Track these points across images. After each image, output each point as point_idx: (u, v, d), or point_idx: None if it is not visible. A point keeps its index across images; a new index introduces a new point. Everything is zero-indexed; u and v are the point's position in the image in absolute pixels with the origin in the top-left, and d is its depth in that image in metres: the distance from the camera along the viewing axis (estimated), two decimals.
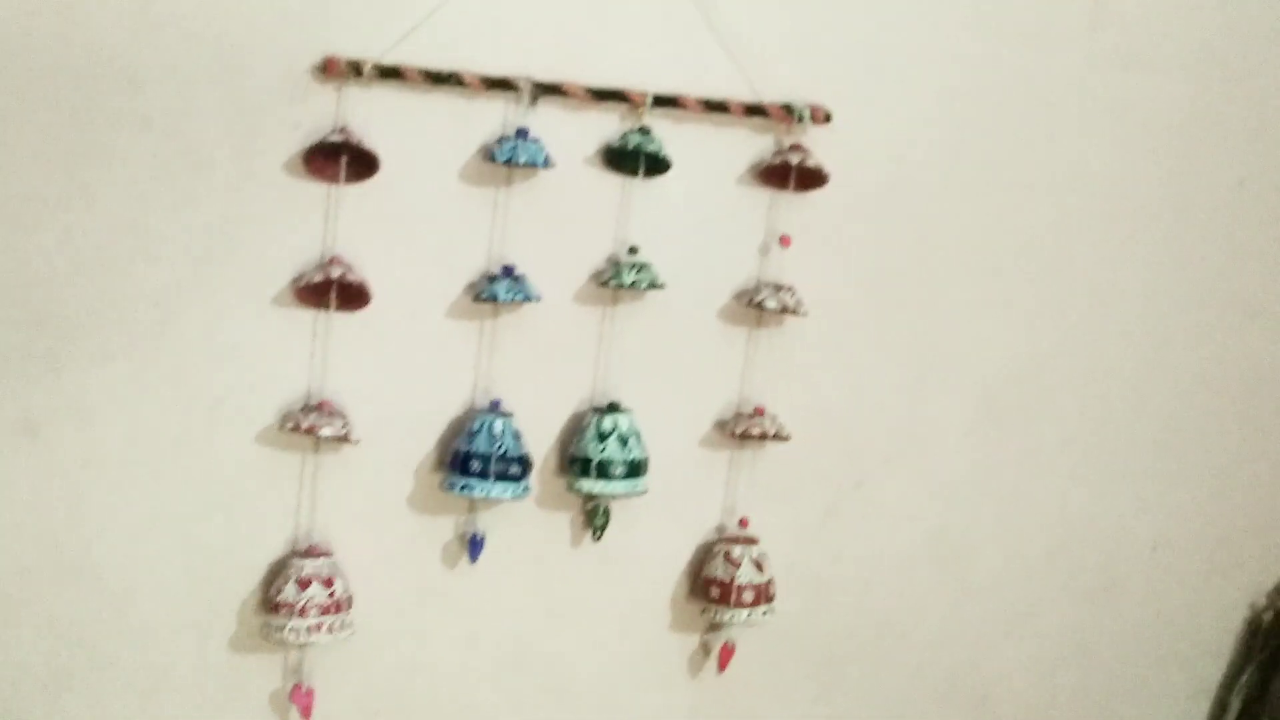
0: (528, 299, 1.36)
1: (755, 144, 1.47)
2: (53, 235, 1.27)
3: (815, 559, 1.58)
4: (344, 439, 1.33)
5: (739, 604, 1.45)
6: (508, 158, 1.32)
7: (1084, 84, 1.60)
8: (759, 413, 1.49)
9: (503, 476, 1.36)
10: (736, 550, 1.47)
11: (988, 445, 1.64)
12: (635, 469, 1.41)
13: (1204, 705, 1.81)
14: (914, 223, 1.55)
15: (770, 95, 1.44)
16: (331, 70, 1.29)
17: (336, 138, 1.29)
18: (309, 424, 1.32)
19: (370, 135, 1.31)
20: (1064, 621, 1.72)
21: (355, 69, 1.29)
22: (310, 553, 1.37)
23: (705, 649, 1.57)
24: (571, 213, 1.42)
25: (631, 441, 1.41)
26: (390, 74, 1.31)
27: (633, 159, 1.40)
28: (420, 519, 1.44)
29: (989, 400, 1.63)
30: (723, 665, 1.53)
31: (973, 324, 1.60)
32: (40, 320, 1.28)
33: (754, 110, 1.42)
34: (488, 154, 1.35)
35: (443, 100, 1.35)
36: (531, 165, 1.33)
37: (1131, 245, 1.67)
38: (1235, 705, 1.76)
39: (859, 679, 1.65)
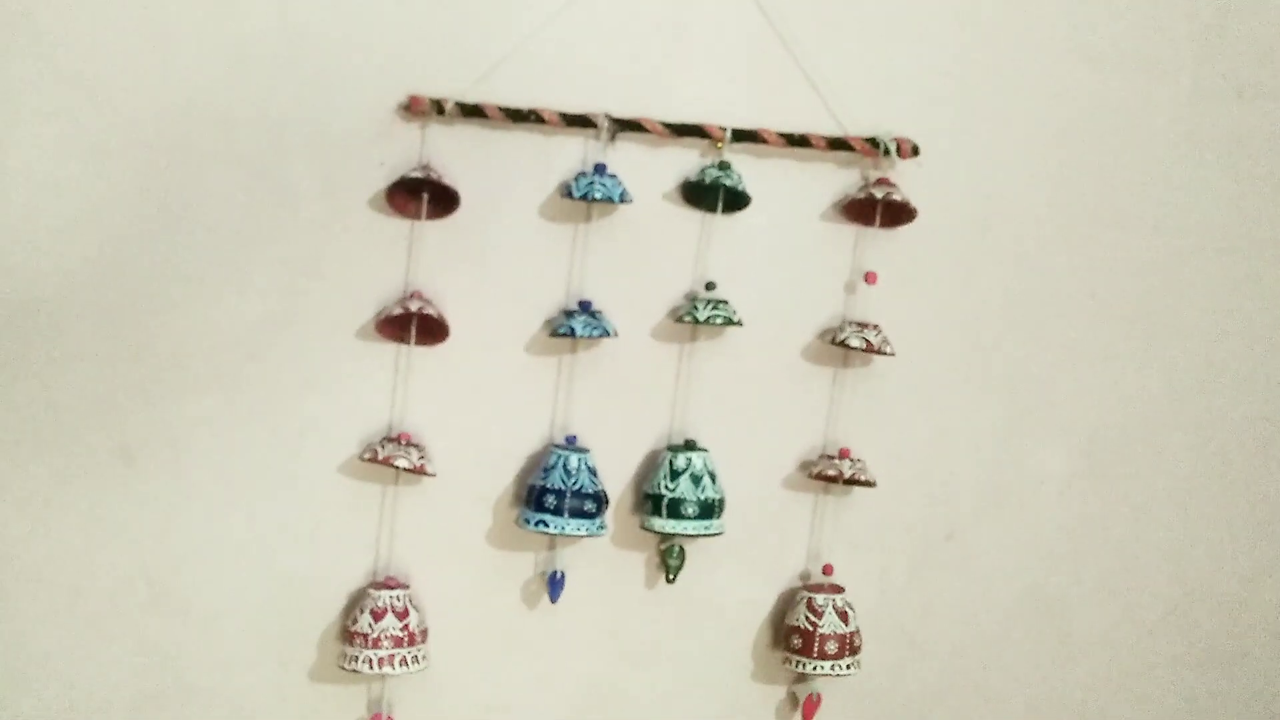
0: (605, 334, 1.36)
1: (839, 179, 1.44)
2: (149, 270, 1.33)
3: (903, 613, 1.51)
4: (420, 471, 1.34)
5: (822, 655, 1.39)
6: (584, 193, 1.32)
7: (1192, 114, 1.53)
8: (844, 454, 1.44)
9: (578, 513, 1.35)
10: (820, 599, 1.42)
11: (1091, 498, 1.55)
12: (709, 509, 1.38)
13: None
14: (1008, 261, 1.50)
15: (855, 129, 1.41)
16: (415, 108, 1.32)
17: (418, 174, 1.31)
18: (386, 455, 1.33)
19: (451, 172, 1.34)
20: (1179, 690, 1.60)
21: (438, 107, 1.32)
22: (386, 584, 1.37)
23: (793, 700, 1.52)
24: (650, 249, 1.42)
25: (705, 481, 1.38)
26: (471, 112, 1.33)
27: (711, 194, 1.39)
28: (499, 555, 1.44)
29: (1091, 450, 1.54)
30: (806, 718, 1.47)
31: (1073, 369, 1.53)
32: (136, 352, 1.34)
33: (837, 144, 1.40)
34: (565, 190, 1.36)
35: (522, 137, 1.37)
36: (609, 201, 1.33)
37: (1247, 285, 1.57)
38: None
39: None
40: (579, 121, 1.35)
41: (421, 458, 1.35)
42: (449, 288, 1.37)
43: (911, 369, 1.47)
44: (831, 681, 1.46)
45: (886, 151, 1.39)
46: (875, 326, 1.41)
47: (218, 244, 1.33)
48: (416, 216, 1.36)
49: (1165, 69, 1.52)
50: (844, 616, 1.42)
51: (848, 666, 1.41)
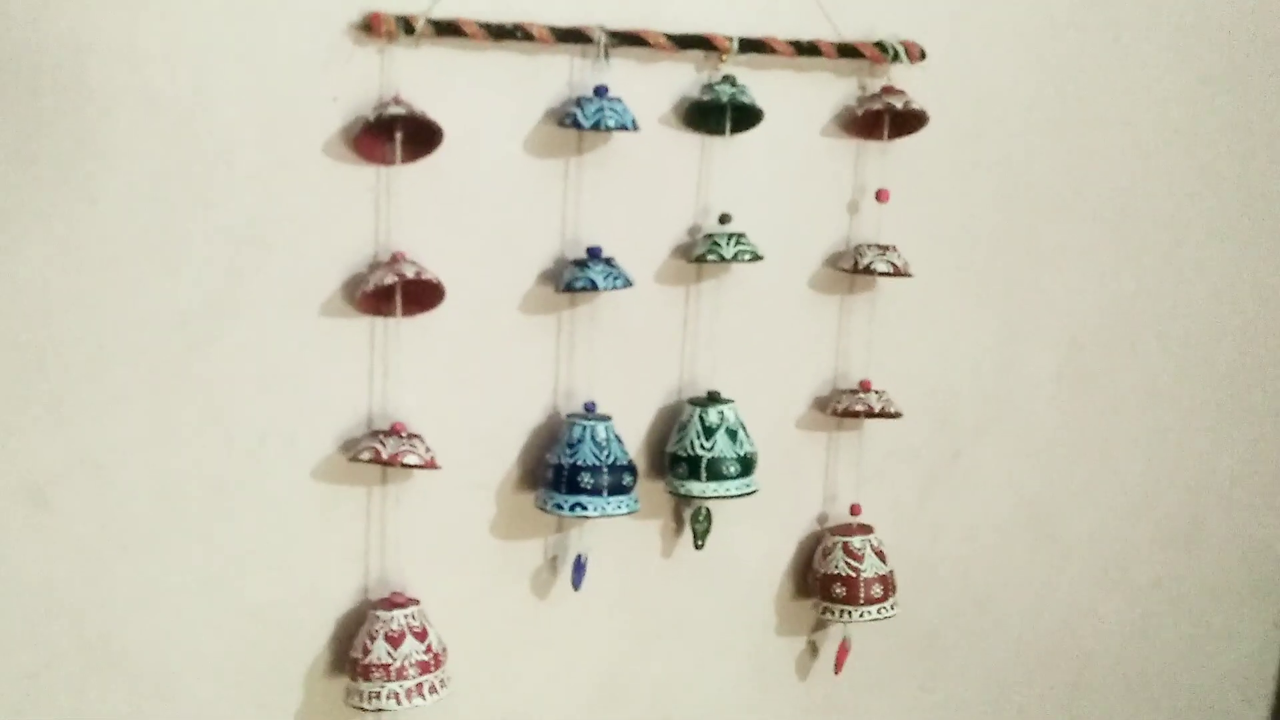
0: (628, 284, 1.18)
1: (837, 91, 1.31)
2: (44, 252, 1.02)
3: (916, 540, 1.45)
4: (431, 465, 1.13)
5: (869, 600, 1.31)
6: (595, 121, 1.13)
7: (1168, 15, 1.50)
8: (865, 388, 1.34)
9: (617, 489, 1.18)
10: (856, 542, 1.33)
11: (1075, 401, 1.54)
12: (748, 465, 1.25)
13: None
14: (1002, 169, 1.43)
15: (850, 35, 1.29)
16: (377, 28, 1.07)
17: (396, 110, 1.07)
18: (392, 452, 1.11)
19: (419, 105, 1.10)
20: (1153, 574, 1.65)
21: (406, 26, 1.08)
22: (394, 602, 1.16)
23: (813, 649, 1.43)
24: (647, 181, 1.24)
25: (740, 434, 1.25)
26: (445, 30, 1.10)
27: (718, 114, 1.23)
28: (504, 546, 1.25)
29: (1075, 353, 1.53)
30: (839, 666, 1.39)
31: (1058, 273, 1.49)
32: (39, 360, 1.04)
33: (846, 51, 1.26)
34: (562, 118, 1.15)
35: (499, 58, 1.15)
36: (622, 128, 1.14)
37: (1205, 181, 1.58)
38: None
39: (962, 661, 1.54)
40: (570, 37, 1.15)
41: (429, 450, 1.13)
42: (424, 243, 1.14)
43: (912, 287, 1.38)
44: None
45: (895, 56, 1.28)
46: (893, 248, 1.31)
47: (133, 213, 1.04)
48: (385, 161, 1.12)
49: None
50: (881, 556, 1.34)
51: (892, 607, 1.34)
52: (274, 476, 1.14)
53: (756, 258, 1.23)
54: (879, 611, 1.32)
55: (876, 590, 1.31)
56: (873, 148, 1.33)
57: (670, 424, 1.29)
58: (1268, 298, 1.67)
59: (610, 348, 1.25)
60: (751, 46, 1.22)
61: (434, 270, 1.12)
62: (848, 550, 1.32)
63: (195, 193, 1.07)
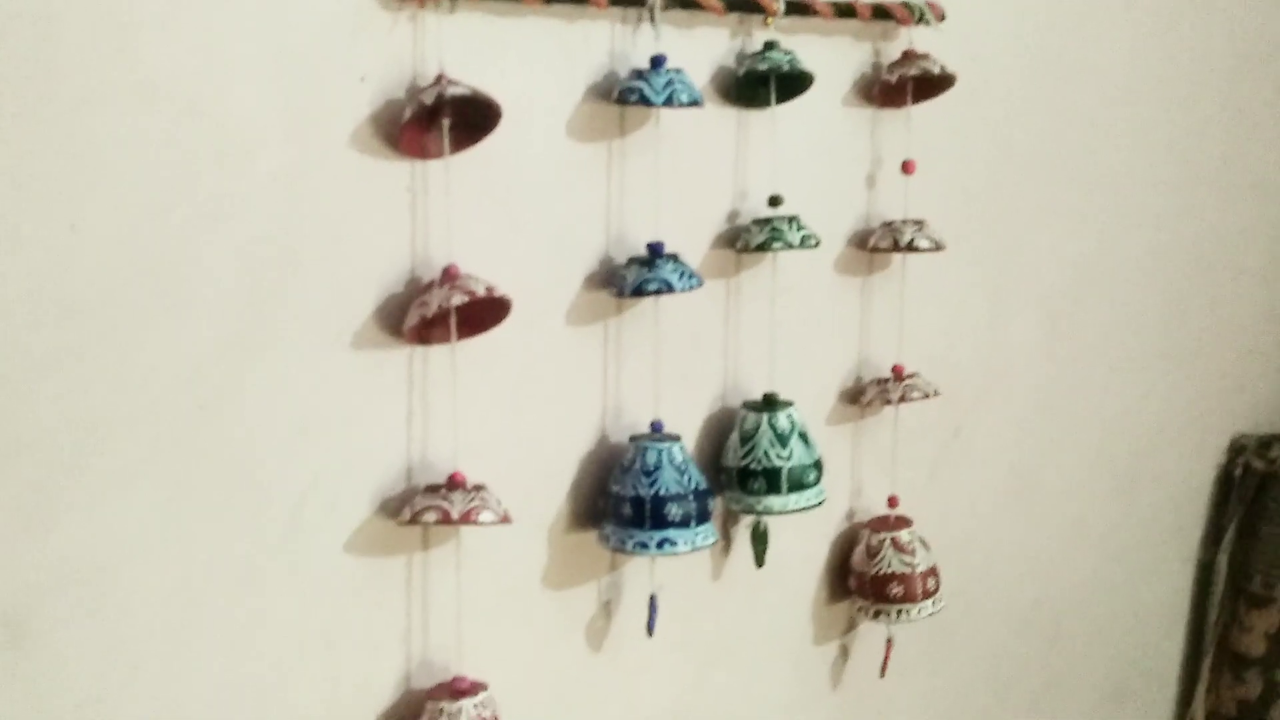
0: (700, 283, 1.03)
1: (855, 57, 1.21)
2: (8, 296, 0.75)
3: (928, 521, 1.39)
4: (504, 520, 0.94)
5: (925, 594, 1.23)
6: (667, 97, 0.97)
7: None
8: (899, 374, 1.26)
9: (703, 517, 1.04)
10: (904, 536, 1.25)
11: (1050, 362, 1.53)
12: (821, 470, 1.14)
13: (1191, 568, 1.88)
14: (990, 129, 1.38)
15: None
16: None
17: (456, 90, 0.87)
18: (462, 510, 0.91)
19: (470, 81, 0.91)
20: (1106, 523, 1.69)
21: None
22: (458, 689, 0.96)
23: (844, 651, 1.35)
24: (691, 162, 1.09)
25: (810, 438, 1.14)
26: None
27: (763, 84, 1.09)
28: (559, 597, 1.07)
29: (1052, 316, 1.51)
30: (885, 667, 1.32)
31: (1035, 235, 1.47)
32: (8, 448, 0.77)
33: (880, 12, 1.16)
34: (621, 93, 0.98)
35: (539, 26, 0.97)
36: (694, 104, 0.99)
37: (1142, 133, 1.61)
38: (1224, 562, 1.84)
39: (963, 639, 1.50)
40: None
41: (499, 501, 0.94)
42: (467, 249, 0.95)
43: (916, 261, 1.31)
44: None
45: (922, 17, 1.19)
46: (923, 222, 1.23)
47: (122, 242, 0.79)
48: (427, 154, 0.91)
49: None
50: (926, 545, 1.27)
51: (941, 597, 1.27)
52: (314, 550, 0.92)
53: (818, 244, 1.12)
54: (933, 604, 1.25)
55: (931, 584, 1.24)
56: (887, 116, 1.25)
57: (720, 434, 1.16)
58: (1192, 240, 1.72)
59: (654, 354, 1.10)
60: (794, 9, 1.10)
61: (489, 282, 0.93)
62: (898, 546, 1.24)
63: (202, 206, 0.82)
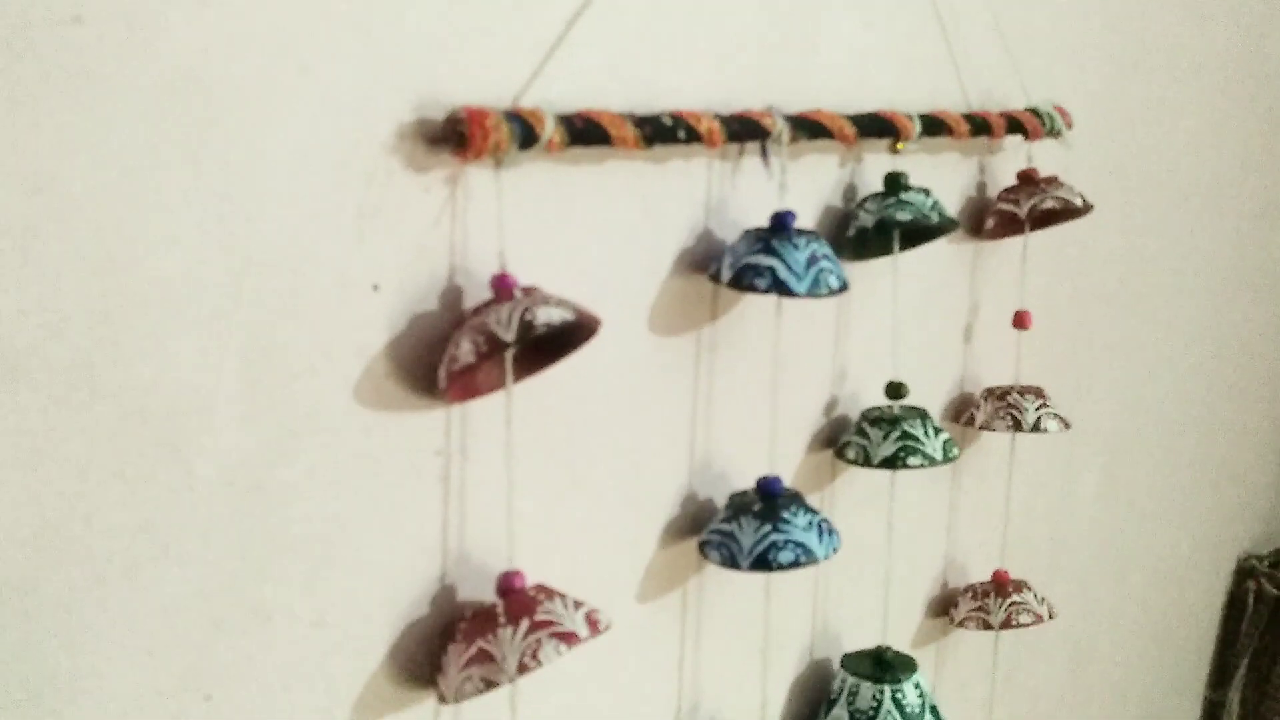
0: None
1: (962, 174, 0.92)
2: None
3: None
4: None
5: None
6: (812, 282, 0.64)
7: None
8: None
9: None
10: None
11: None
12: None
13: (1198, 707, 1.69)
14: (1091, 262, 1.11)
15: (979, 103, 0.89)
16: (474, 140, 0.51)
17: (556, 312, 0.52)
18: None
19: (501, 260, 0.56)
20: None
21: (525, 130, 0.53)
22: None
23: None
24: (787, 344, 0.77)
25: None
26: (581, 135, 0.56)
27: (881, 232, 0.78)
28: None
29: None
30: None
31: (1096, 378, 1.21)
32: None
33: (1014, 126, 0.87)
34: (738, 276, 0.65)
35: (607, 174, 0.63)
36: (843, 290, 0.66)
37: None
38: (1235, 701, 1.65)
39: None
40: (742, 133, 0.64)
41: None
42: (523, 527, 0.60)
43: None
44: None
45: (1053, 128, 0.90)
46: (1042, 391, 0.94)
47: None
48: (477, 393, 0.56)
49: None
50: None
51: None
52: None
53: (958, 454, 0.81)
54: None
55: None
56: (988, 249, 0.96)
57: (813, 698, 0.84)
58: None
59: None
60: (933, 128, 0.79)
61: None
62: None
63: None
